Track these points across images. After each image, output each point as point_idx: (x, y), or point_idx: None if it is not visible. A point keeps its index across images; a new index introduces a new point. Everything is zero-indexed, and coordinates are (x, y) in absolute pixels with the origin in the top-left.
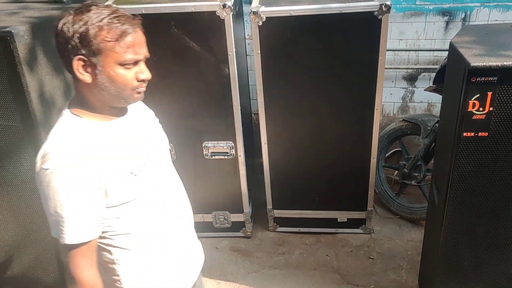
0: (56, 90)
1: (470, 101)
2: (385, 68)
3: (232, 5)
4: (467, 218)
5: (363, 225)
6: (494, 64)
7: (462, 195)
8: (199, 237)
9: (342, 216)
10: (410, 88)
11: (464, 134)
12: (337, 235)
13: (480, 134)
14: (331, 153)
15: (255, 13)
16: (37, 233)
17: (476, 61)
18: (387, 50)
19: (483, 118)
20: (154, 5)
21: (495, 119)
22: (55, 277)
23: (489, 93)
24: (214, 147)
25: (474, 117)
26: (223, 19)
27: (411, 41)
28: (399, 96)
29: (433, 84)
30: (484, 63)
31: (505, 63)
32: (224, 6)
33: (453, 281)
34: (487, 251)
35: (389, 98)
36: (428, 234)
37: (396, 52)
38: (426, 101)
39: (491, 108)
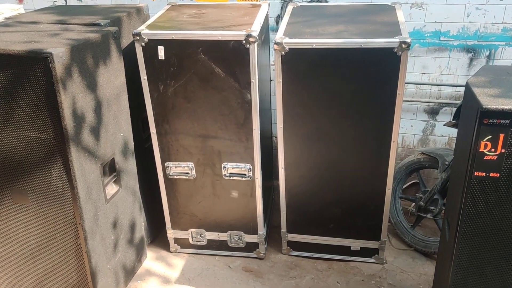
0: (88, 107)
1: (482, 142)
2: (407, 101)
3: (258, 35)
4: (477, 256)
5: (376, 255)
6: (507, 107)
7: (472, 233)
8: (213, 255)
9: (355, 244)
10: (431, 122)
11: (475, 173)
12: (349, 263)
13: (491, 174)
14: (347, 182)
15: (278, 44)
16: (60, 240)
17: (489, 103)
18: (410, 83)
19: (495, 159)
20: (184, 32)
21: (507, 160)
22: (73, 283)
23: (501, 135)
24: (233, 168)
25: (486, 157)
26: (248, 48)
27: (433, 75)
28: (420, 129)
29: (453, 120)
30: (497, 106)
31: None
32: (249, 36)
33: None
34: None
35: (409, 130)
36: (438, 269)
37: (419, 85)
38: (447, 135)
39: (503, 150)
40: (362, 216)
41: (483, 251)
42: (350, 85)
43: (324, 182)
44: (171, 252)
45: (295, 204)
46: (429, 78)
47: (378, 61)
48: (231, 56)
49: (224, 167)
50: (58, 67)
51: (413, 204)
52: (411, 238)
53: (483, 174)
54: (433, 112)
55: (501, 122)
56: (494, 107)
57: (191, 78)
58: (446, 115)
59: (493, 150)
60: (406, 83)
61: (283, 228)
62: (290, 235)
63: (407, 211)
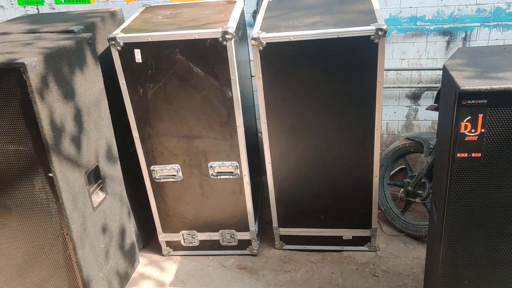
0: (67, 115)
1: (462, 123)
2: (389, 87)
3: (234, 32)
4: (465, 236)
5: (368, 243)
6: (484, 87)
7: (459, 214)
8: (206, 255)
9: (347, 233)
10: (414, 107)
11: (458, 154)
12: (342, 253)
13: (473, 155)
14: (334, 172)
15: (255, 39)
16: (49, 252)
17: (466, 85)
18: (390, 70)
19: (476, 139)
20: (159, 33)
21: (487, 140)
22: None
23: (480, 115)
24: (220, 167)
25: (467, 138)
26: (225, 45)
27: (413, 60)
28: (403, 114)
29: (434, 103)
30: (474, 87)
31: (494, 86)
32: (225, 33)
33: None
34: (485, 270)
35: (393, 116)
36: (429, 252)
37: (399, 71)
38: (430, 119)
39: (483, 130)
40: (352, 205)
41: (471, 231)
42: (330, 76)
43: (312, 174)
44: (163, 255)
45: (285, 198)
46: (408, 63)
47: (356, 50)
48: (209, 55)
49: (211, 166)
50: (32, 77)
51: (402, 189)
52: (401, 223)
53: (465, 155)
54: (415, 97)
55: (479, 102)
56: (471, 88)
57: (170, 79)
58: (428, 99)
59: (473, 130)
60: (386, 69)
61: (275, 223)
62: (282, 229)
63: (396, 197)
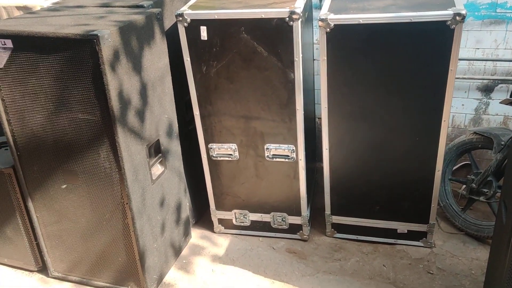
0: (133, 89)
1: None
2: (459, 78)
3: (301, 12)
4: None
5: (424, 238)
6: None
7: None
8: (256, 236)
9: (402, 227)
10: (485, 100)
11: None
12: (395, 246)
13: None
14: (393, 163)
15: (323, 20)
16: (109, 220)
17: None
18: (461, 60)
19: None
20: (226, 11)
21: None
22: (123, 261)
23: None
24: (276, 149)
25: None
26: (291, 26)
27: (488, 50)
28: (472, 108)
29: (510, 97)
30: None
31: None
32: (292, 13)
33: None
34: None
35: (460, 109)
36: (493, 254)
37: (471, 61)
38: (503, 114)
39: None
40: (410, 198)
41: None
42: (399, 62)
43: (369, 163)
44: (215, 232)
45: (340, 186)
46: (483, 53)
47: (429, 35)
48: (274, 35)
49: (267, 148)
50: (104, 49)
51: (464, 186)
52: (461, 221)
53: None
54: (487, 89)
55: None
56: None
57: (233, 58)
58: (501, 93)
59: None
60: (460, 59)
61: (327, 210)
62: (334, 217)
63: (457, 193)
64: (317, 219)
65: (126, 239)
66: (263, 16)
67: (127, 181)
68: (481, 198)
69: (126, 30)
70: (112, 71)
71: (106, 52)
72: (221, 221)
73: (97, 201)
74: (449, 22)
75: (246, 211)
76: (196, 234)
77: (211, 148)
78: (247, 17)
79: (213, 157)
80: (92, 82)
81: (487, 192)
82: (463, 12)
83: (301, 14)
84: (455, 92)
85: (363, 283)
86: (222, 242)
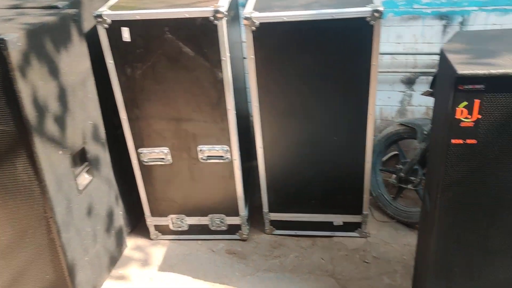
0: (50, 94)
1: (458, 109)
2: (383, 72)
3: (226, 11)
4: (458, 224)
5: (359, 229)
6: (481, 72)
7: (453, 201)
8: (195, 240)
9: (338, 219)
10: (409, 92)
11: (453, 141)
12: (333, 239)
13: (468, 141)
14: (326, 157)
15: (248, 18)
16: (32, 236)
17: (463, 69)
18: (385, 54)
19: (472, 125)
20: (149, 11)
21: (483, 126)
22: (50, 278)
23: (477, 101)
24: (209, 151)
25: (462, 124)
26: (216, 25)
27: (409, 44)
28: (398, 100)
29: (430, 88)
30: (471, 71)
31: (492, 71)
32: (217, 12)
33: (445, 286)
34: (477, 258)
35: (387, 101)
36: (420, 239)
37: (394, 55)
38: (425, 105)
39: (479, 116)
40: (343, 190)
41: (463, 219)
42: (324, 58)
43: (303, 159)
44: (152, 239)
45: (276, 183)
46: (404, 47)
47: (350, 31)
48: (200, 34)
49: (200, 150)
50: (14, 54)
51: (394, 175)
52: (393, 209)
53: (461, 141)
54: (409, 82)
55: (476, 87)
56: (469, 72)
57: (159, 59)
58: (423, 85)
59: (469, 116)
60: (381, 53)
61: (265, 208)
62: (272, 214)
63: (388, 183)
64: (256, 218)
65: (52, 254)
66: (187, 16)
67: (49, 194)
68: (409, 186)
69: (37, 33)
70: (24, 77)
71: (15, 58)
72: (157, 227)
73: (17, 217)
74: (368, 19)
75: (183, 216)
76: (132, 243)
77: (142, 153)
78: (170, 17)
79: (145, 162)
80: (3, 89)
81: (414, 180)
82: (381, 8)
83: (225, 13)
84: (381, 86)
85: (303, 278)
86: (159, 249)
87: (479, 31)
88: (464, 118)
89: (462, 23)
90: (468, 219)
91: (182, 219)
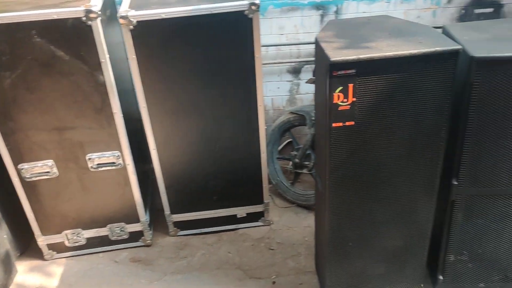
0: None
1: (334, 94)
2: (270, 63)
3: (100, 10)
4: (347, 202)
5: (262, 218)
6: (351, 58)
7: (339, 180)
8: (95, 253)
9: (241, 211)
10: (296, 81)
11: (333, 124)
12: (238, 231)
13: (347, 123)
14: (223, 152)
15: (124, 17)
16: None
17: (335, 56)
18: (270, 46)
19: (348, 108)
20: (11, 14)
21: (358, 108)
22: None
23: (350, 85)
24: (99, 158)
25: (340, 108)
26: (90, 25)
27: (291, 35)
28: (287, 89)
29: (313, 76)
30: (343, 58)
31: (361, 56)
32: (89, 11)
33: (342, 261)
34: (367, 230)
35: (277, 92)
36: (317, 219)
37: (279, 47)
38: (312, 92)
39: (354, 99)
40: (243, 182)
41: (351, 196)
42: (208, 54)
43: (200, 156)
44: (46, 260)
45: (175, 184)
46: (287, 38)
47: (230, 26)
48: (73, 36)
49: (89, 158)
50: None
51: (290, 162)
52: (292, 195)
53: (341, 124)
54: (295, 71)
55: (348, 72)
56: (340, 59)
57: (30, 66)
58: (307, 73)
59: (345, 100)
60: (266, 45)
61: (166, 210)
62: (175, 215)
63: (286, 170)
64: (159, 221)
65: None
66: (56, 17)
67: None
68: (305, 171)
69: None
70: None
71: None
72: (51, 246)
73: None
74: (246, 12)
75: (79, 229)
76: (24, 267)
77: (23, 168)
78: (37, 19)
79: (27, 178)
80: None
81: (308, 164)
82: (257, 1)
83: (99, 12)
84: (269, 77)
85: (211, 274)
86: (55, 268)
87: (349, 19)
88: (341, 102)
89: (336, 12)
90: (355, 195)
91: (79, 234)
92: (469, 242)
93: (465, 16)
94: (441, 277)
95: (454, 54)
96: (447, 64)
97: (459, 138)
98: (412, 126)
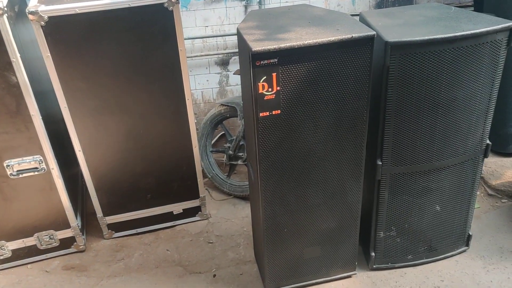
0: None
1: (259, 83)
2: (197, 56)
3: (6, 6)
4: (279, 189)
5: (199, 212)
6: (272, 47)
7: (270, 169)
8: (23, 264)
9: (177, 208)
10: (224, 73)
11: (261, 114)
12: (176, 228)
13: (274, 112)
14: (153, 149)
15: (34, 13)
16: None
17: (257, 46)
18: (196, 38)
19: (273, 97)
20: None
21: (283, 97)
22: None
23: (274, 74)
24: (19, 164)
25: (266, 97)
26: None
27: (216, 27)
28: (216, 81)
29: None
30: (264, 47)
31: (281, 45)
32: None
33: (279, 247)
34: (301, 215)
35: (206, 84)
36: (252, 209)
37: (205, 39)
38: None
39: (278, 88)
40: (177, 178)
41: (283, 183)
42: (130, 49)
43: (129, 155)
44: None
45: (105, 185)
46: (212, 30)
47: (152, 19)
48: None
49: (8, 165)
50: None
51: (225, 155)
52: (228, 187)
53: (267, 113)
54: (223, 63)
55: (271, 62)
56: (262, 48)
57: None
58: (235, 64)
59: (270, 89)
60: (191, 38)
61: (99, 213)
62: (108, 218)
63: (221, 163)
64: (93, 224)
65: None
66: None
67: None
68: (239, 162)
69: None
70: None
71: None
72: None
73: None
74: (166, 4)
75: (3, 241)
76: None
77: None
78: None
79: None
80: None
81: (242, 155)
82: None
83: (5, 9)
84: (197, 70)
85: (150, 274)
86: None
87: (270, 9)
88: (266, 92)
89: (260, 3)
90: (286, 182)
91: (2, 246)
92: (396, 218)
93: (381, 3)
94: (373, 254)
95: (369, 39)
96: (364, 50)
97: (380, 120)
98: (335, 111)
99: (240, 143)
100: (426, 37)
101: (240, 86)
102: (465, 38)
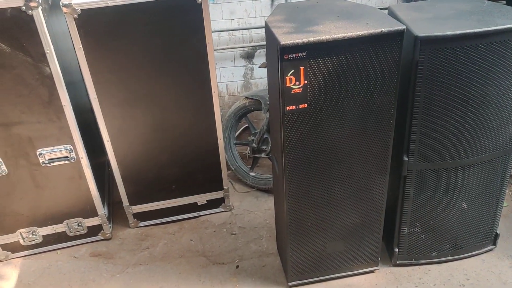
0: None
1: (287, 77)
2: (222, 49)
3: None
4: (303, 183)
5: (223, 204)
6: (301, 41)
7: (295, 163)
8: (53, 250)
9: (201, 199)
10: (249, 66)
11: (287, 107)
12: (199, 218)
13: (300, 106)
14: (179, 140)
15: (67, 6)
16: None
17: (286, 40)
18: (222, 31)
19: (301, 91)
20: None
21: (310, 91)
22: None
23: (301, 68)
24: (51, 153)
25: (293, 91)
26: (32, 15)
27: (242, 20)
28: (240, 74)
29: (266, 61)
30: (293, 41)
31: (310, 39)
32: (29, 0)
33: (302, 241)
34: (325, 210)
35: (231, 77)
36: (276, 202)
37: (231, 32)
38: (266, 76)
39: (305, 81)
40: (201, 170)
41: (307, 177)
42: (158, 42)
43: (156, 145)
44: (1, 261)
45: (132, 175)
46: (238, 23)
47: (180, 12)
48: (13, 27)
49: (40, 154)
50: None
51: (248, 147)
52: (251, 179)
53: (294, 107)
54: (249, 56)
55: (299, 55)
56: (290, 42)
57: None
58: (261, 57)
59: (297, 83)
60: (218, 31)
61: (125, 202)
62: (134, 207)
63: (244, 155)
64: (119, 213)
65: None
66: None
67: None
68: (262, 155)
69: None
70: None
71: None
72: (5, 246)
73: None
74: None
75: (34, 227)
76: None
77: None
78: None
79: None
80: None
81: (265, 148)
82: None
83: (40, 1)
84: (223, 62)
85: (175, 263)
86: (12, 269)
87: (298, 2)
88: (294, 85)
89: None
90: (311, 176)
91: (34, 232)
92: (421, 214)
93: None
94: (396, 250)
95: (399, 34)
96: (393, 44)
97: (407, 116)
98: (362, 106)
99: (264, 136)
100: (458, 32)
101: (265, 79)
102: (498, 32)
